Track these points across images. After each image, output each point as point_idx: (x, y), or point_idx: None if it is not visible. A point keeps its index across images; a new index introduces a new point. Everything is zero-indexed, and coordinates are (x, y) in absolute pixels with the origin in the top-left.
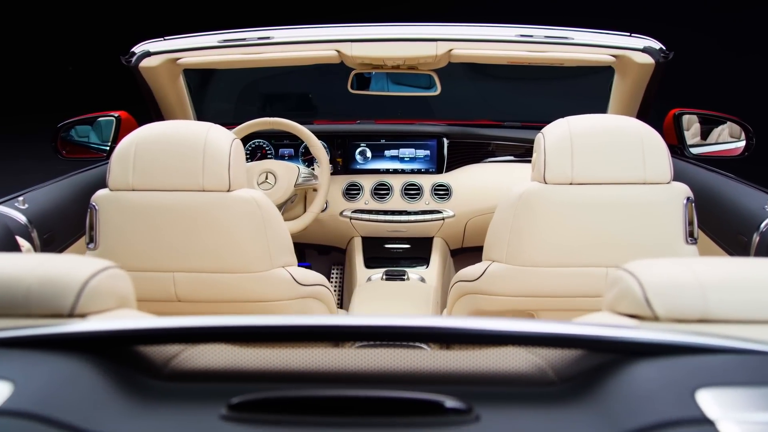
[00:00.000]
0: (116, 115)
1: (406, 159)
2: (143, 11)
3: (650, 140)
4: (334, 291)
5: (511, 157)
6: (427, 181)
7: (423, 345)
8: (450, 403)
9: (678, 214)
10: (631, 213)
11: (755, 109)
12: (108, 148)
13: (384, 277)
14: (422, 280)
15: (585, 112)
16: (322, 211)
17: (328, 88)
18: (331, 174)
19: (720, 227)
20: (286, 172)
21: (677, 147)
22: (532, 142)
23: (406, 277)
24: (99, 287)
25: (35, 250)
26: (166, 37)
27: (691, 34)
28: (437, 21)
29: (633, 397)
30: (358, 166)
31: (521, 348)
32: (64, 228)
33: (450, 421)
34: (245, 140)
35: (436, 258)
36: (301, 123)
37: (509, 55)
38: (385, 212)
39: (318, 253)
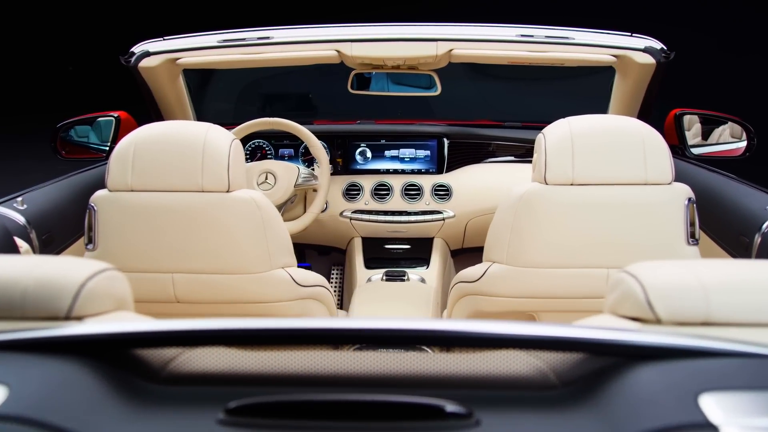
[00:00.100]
0: (116, 115)
1: (406, 159)
2: (143, 11)
3: (651, 141)
4: (334, 292)
5: (512, 158)
6: (427, 182)
7: (423, 348)
8: (450, 407)
9: (679, 215)
10: (632, 214)
11: (756, 109)
12: (107, 148)
13: (384, 277)
14: (422, 280)
15: (586, 113)
16: (322, 211)
17: (328, 88)
18: (331, 174)
19: (721, 228)
20: (286, 172)
21: (678, 147)
22: (532, 142)
23: (406, 277)
24: (96, 289)
25: (34, 251)
26: (165, 37)
27: (692, 34)
28: (437, 21)
29: (635, 402)
30: (358, 167)
31: (522, 351)
32: (63, 229)
33: (450, 426)
34: (245, 140)
35: (436, 258)
36: (301, 123)
37: (510, 55)
38: (385, 213)
39: (318, 253)
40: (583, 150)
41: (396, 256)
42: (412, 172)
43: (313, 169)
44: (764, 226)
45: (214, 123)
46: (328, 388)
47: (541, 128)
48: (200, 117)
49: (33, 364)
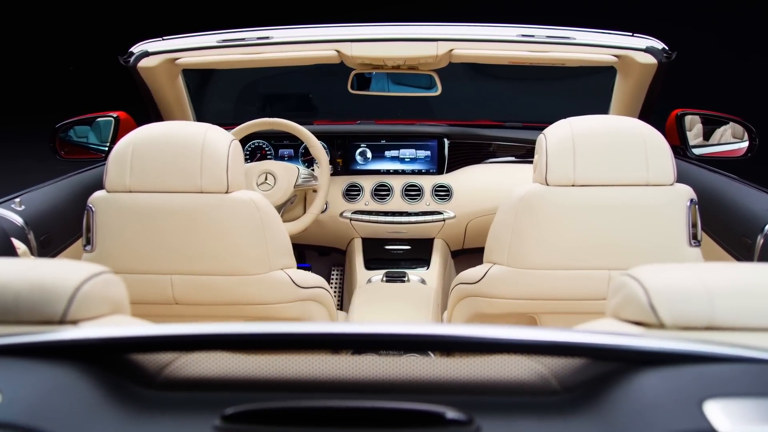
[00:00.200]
0: (115, 115)
1: (406, 160)
2: (144, 11)
3: (653, 141)
4: (334, 292)
5: (513, 158)
6: (427, 182)
7: (423, 352)
8: (450, 414)
9: (681, 217)
10: (634, 215)
11: (758, 109)
12: (107, 148)
13: (384, 278)
14: (423, 281)
15: (587, 113)
16: (322, 212)
17: (328, 88)
18: (331, 175)
19: (723, 229)
20: (286, 172)
21: (679, 148)
22: (533, 142)
23: (406, 278)
24: (91, 293)
25: (32, 252)
26: (164, 37)
27: (694, 34)
28: (438, 21)
29: (638, 408)
30: (358, 167)
31: (524, 356)
32: (61, 230)
33: None
34: (245, 141)
35: (436, 259)
36: (301, 123)
37: (510, 55)
38: (386, 213)
39: (318, 254)
40: (584, 151)
41: (396, 256)
42: (413, 172)
43: (312, 170)
44: (767, 227)
45: (214, 123)
46: (326, 393)
47: (541, 128)
48: (200, 117)
49: (27, 369)
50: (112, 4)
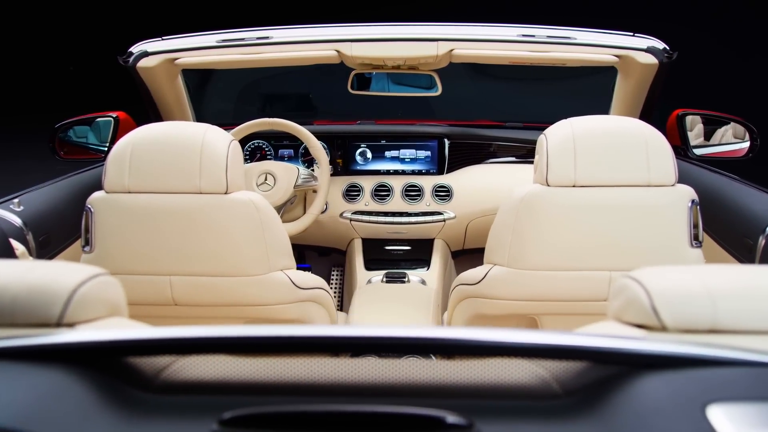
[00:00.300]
0: (114, 115)
1: (406, 160)
2: (145, 11)
3: (654, 142)
4: (334, 293)
5: (513, 158)
6: (427, 182)
7: (423, 356)
8: (451, 418)
9: (683, 217)
10: (635, 216)
11: (759, 109)
12: (106, 148)
13: (384, 279)
14: (423, 282)
15: (587, 113)
16: (322, 212)
17: (328, 89)
18: (331, 175)
19: (725, 230)
20: (286, 173)
21: (680, 148)
22: (534, 143)
23: (406, 279)
24: (88, 295)
25: (30, 253)
26: (163, 37)
27: (694, 34)
28: (438, 21)
29: (641, 412)
30: (358, 167)
31: (524, 359)
32: (60, 230)
33: None
34: (244, 141)
35: (436, 260)
36: (301, 123)
37: (511, 55)
38: (386, 213)
39: (318, 254)
40: (585, 151)
41: (396, 257)
42: (413, 172)
43: (312, 170)
44: None
45: (214, 123)
46: (325, 397)
47: (542, 129)
48: (199, 117)
49: (22, 372)
50: (112, 4)
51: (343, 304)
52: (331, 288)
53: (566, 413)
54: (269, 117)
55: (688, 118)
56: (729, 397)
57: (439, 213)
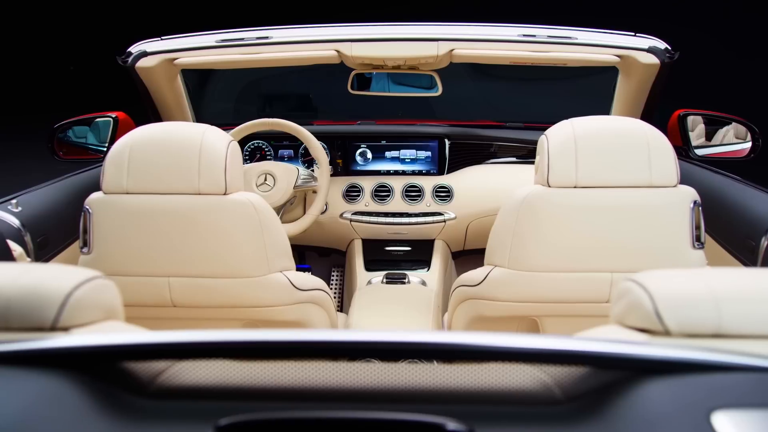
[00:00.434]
0: (114, 116)
1: (407, 160)
2: (145, 11)
3: (656, 142)
4: (334, 294)
5: (514, 159)
6: (428, 183)
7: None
8: (451, 425)
9: (685, 218)
10: (637, 217)
11: (761, 109)
12: (105, 149)
13: (384, 280)
14: (423, 283)
15: (588, 113)
16: (322, 213)
17: (328, 89)
18: (331, 175)
19: (727, 231)
20: (286, 173)
21: (682, 148)
22: (534, 143)
23: (406, 280)
24: (84, 299)
25: (28, 254)
26: (162, 37)
27: (695, 34)
28: (438, 21)
29: (644, 419)
30: (358, 168)
31: (526, 364)
32: (59, 231)
33: None
34: (244, 141)
35: (437, 261)
36: (301, 124)
37: (512, 55)
38: (386, 214)
39: (318, 255)
40: (586, 152)
41: (396, 258)
42: (413, 173)
43: (312, 171)
44: None
45: (214, 123)
46: (324, 403)
47: (543, 129)
48: (199, 117)
49: (15, 377)
50: (112, 4)
51: (343, 305)
52: (331, 289)
53: (568, 419)
54: (269, 117)
55: (690, 119)
56: (734, 404)
57: (440, 213)
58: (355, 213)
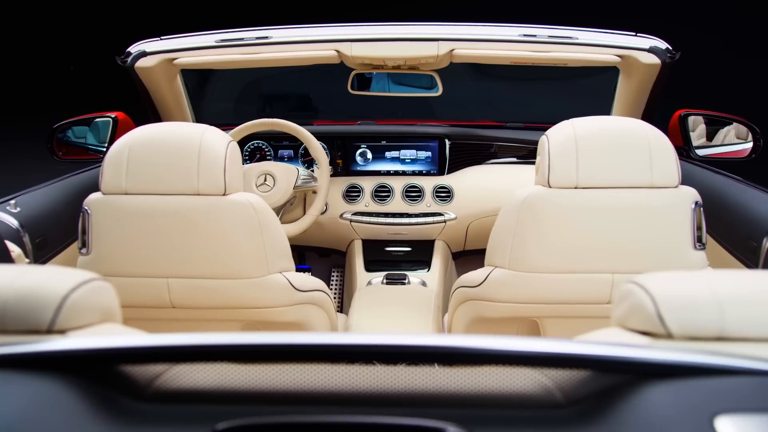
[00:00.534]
0: (113, 116)
1: (407, 160)
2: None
3: (657, 143)
4: (334, 294)
5: (514, 159)
6: (428, 183)
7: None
8: (451, 429)
9: (686, 219)
10: (638, 218)
11: (762, 110)
12: (105, 149)
13: (384, 281)
14: (423, 284)
15: (589, 113)
16: (322, 213)
17: (328, 89)
18: (331, 176)
19: (728, 232)
20: (285, 173)
21: (682, 149)
22: (535, 143)
23: (407, 281)
24: (80, 301)
25: (26, 255)
26: (162, 37)
27: (696, 34)
28: (439, 20)
29: (646, 423)
30: (358, 168)
31: (527, 367)
32: (57, 232)
33: None
34: (244, 141)
35: (437, 261)
36: (301, 124)
37: (512, 55)
38: (386, 215)
39: (318, 255)
40: (587, 153)
41: (397, 258)
42: (413, 173)
43: (312, 171)
44: None
45: (213, 124)
46: (322, 407)
47: (543, 129)
48: (199, 117)
49: (11, 381)
50: (112, 4)
51: (343, 306)
52: (330, 289)
53: (569, 423)
54: (269, 117)
55: (691, 119)
56: (738, 408)
57: (440, 214)
58: (355, 213)
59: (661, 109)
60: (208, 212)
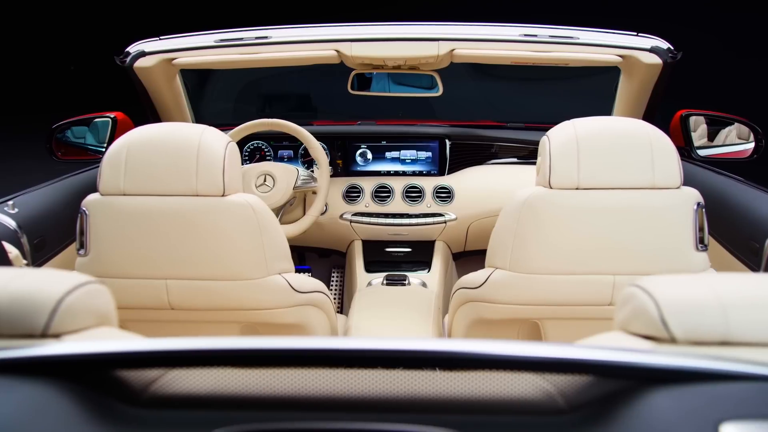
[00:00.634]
0: (112, 116)
1: (407, 161)
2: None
3: (659, 143)
4: (334, 295)
5: (515, 159)
6: (428, 184)
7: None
8: None
9: (688, 220)
10: (640, 219)
11: (763, 110)
12: (104, 149)
13: (385, 282)
14: (423, 284)
15: (590, 114)
16: (322, 213)
17: (328, 89)
18: (331, 176)
19: (730, 233)
20: (285, 174)
21: (684, 149)
22: (536, 143)
23: (407, 282)
24: (76, 304)
25: (24, 256)
26: (161, 37)
27: (697, 34)
28: (439, 20)
29: (651, 430)
30: (358, 168)
31: (529, 372)
32: (55, 233)
33: None
34: (244, 142)
35: (437, 262)
36: (301, 124)
37: (513, 55)
38: (386, 215)
39: (318, 256)
40: (588, 153)
41: (397, 259)
42: (414, 173)
43: (312, 171)
44: None
45: (213, 124)
46: (319, 413)
47: (544, 129)
48: (198, 117)
49: (4, 386)
50: (112, 4)
51: (343, 307)
52: (330, 290)
53: (572, 429)
54: (269, 117)
55: (692, 119)
56: (743, 415)
57: (440, 214)
58: (355, 214)
59: (662, 109)
60: (206, 213)
